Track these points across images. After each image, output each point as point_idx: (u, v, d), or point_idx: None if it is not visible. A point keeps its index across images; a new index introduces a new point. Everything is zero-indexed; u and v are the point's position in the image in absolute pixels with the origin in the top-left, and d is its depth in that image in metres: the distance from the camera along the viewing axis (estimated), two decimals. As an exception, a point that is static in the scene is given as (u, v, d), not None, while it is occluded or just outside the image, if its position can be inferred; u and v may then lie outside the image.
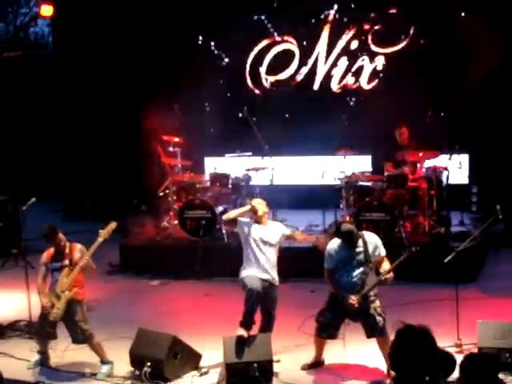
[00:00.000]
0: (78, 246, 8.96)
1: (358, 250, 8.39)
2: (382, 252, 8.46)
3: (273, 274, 8.93)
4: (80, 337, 8.76)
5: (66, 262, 8.84)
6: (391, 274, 8.29)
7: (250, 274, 8.78)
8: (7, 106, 18.33)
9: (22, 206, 10.85)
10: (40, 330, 9.02)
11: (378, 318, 8.29)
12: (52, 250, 8.98)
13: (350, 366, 8.75)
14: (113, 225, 9.03)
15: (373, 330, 8.33)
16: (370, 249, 8.38)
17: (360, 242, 8.40)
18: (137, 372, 8.54)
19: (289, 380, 8.42)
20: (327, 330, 8.58)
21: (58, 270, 8.86)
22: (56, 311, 8.69)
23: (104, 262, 13.00)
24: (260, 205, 9.04)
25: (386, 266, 8.39)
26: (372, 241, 8.47)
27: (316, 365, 8.80)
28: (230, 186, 13.25)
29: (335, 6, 15.12)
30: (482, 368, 5.05)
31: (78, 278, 8.83)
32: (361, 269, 8.34)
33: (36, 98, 19.20)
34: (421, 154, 12.27)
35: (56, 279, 8.84)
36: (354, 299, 8.24)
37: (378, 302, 8.40)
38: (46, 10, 15.00)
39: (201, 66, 15.46)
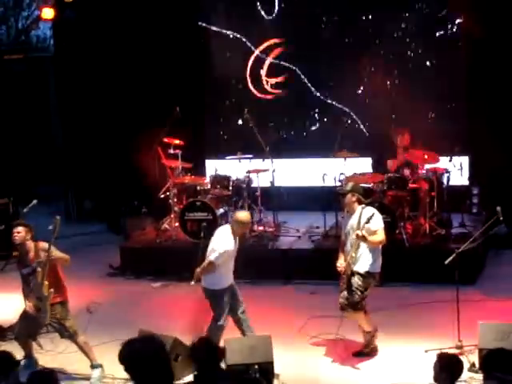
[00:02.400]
0: (41, 245, 8.77)
1: (353, 220, 8.70)
2: (373, 227, 8.58)
3: None
4: (65, 333, 8.78)
5: (35, 264, 8.73)
6: (359, 234, 8.43)
7: (221, 284, 9.00)
8: (8, 109, 18.33)
9: (22, 208, 10.82)
10: (21, 332, 8.98)
11: (351, 294, 8.55)
12: (16, 253, 8.95)
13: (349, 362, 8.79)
14: None
15: (346, 303, 8.61)
16: (362, 221, 8.53)
17: (357, 213, 8.64)
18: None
19: (290, 382, 8.42)
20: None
21: (31, 274, 8.78)
22: (43, 315, 8.67)
23: (104, 264, 13.07)
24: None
25: (375, 237, 8.58)
26: (366, 214, 8.61)
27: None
28: (230, 189, 13.25)
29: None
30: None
31: (56, 279, 8.74)
32: (353, 237, 8.57)
33: (37, 100, 19.21)
34: (426, 156, 12.25)
35: (34, 284, 8.75)
36: (339, 264, 8.69)
37: (359, 279, 8.59)
38: (47, 13, 15.10)
39: (201, 67, 15.49)
